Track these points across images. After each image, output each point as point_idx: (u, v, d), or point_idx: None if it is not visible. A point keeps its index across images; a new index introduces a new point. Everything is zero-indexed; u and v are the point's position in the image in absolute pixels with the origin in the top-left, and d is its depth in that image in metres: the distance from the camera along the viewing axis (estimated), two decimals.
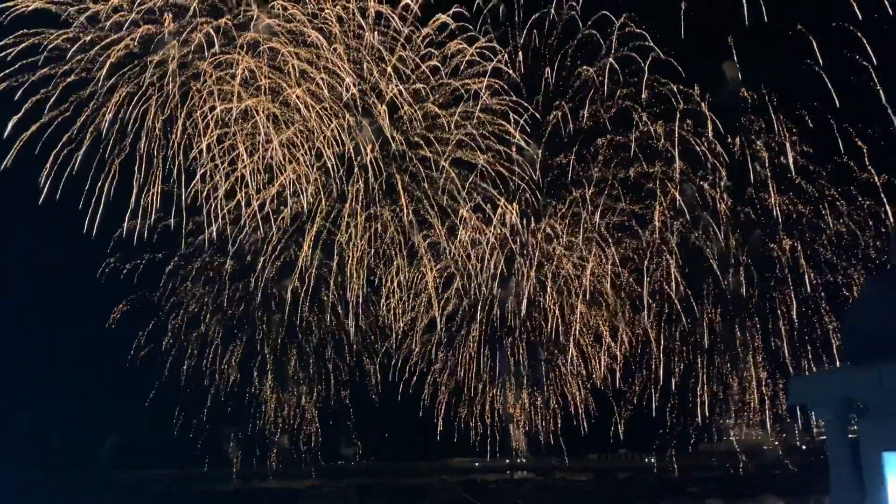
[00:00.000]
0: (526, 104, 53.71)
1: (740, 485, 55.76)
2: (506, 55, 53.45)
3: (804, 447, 61.37)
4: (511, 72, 53.57)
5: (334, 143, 52.99)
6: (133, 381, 59.63)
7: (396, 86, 52.40)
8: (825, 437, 14.37)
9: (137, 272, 55.70)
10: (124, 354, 57.99)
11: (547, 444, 59.54)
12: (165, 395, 59.18)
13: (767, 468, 62.04)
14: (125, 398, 60.25)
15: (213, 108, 51.72)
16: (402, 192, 55.45)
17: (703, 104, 51.97)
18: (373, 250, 56.47)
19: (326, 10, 52.10)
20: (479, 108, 53.53)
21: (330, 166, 53.31)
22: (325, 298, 58.02)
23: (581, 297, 55.78)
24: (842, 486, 12.64)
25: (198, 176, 52.69)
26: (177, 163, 52.71)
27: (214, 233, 53.91)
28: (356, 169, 54.06)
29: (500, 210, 54.90)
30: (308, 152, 53.34)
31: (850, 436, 13.22)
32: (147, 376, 58.74)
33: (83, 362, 60.04)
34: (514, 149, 54.05)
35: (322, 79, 52.19)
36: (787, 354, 52.96)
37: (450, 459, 66.68)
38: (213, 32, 50.49)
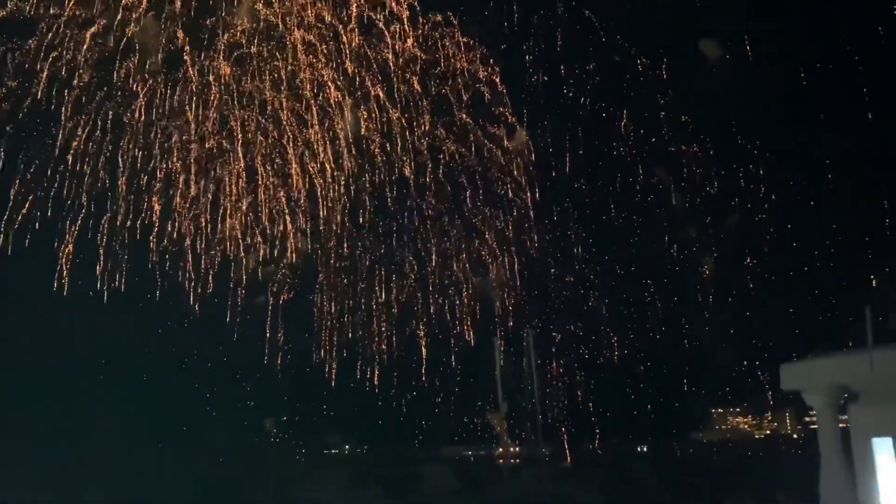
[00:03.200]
0: (511, 114, 53.34)
1: (730, 473, 56.08)
2: (492, 62, 53.06)
3: (795, 436, 61.82)
4: (496, 80, 53.16)
5: (316, 147, 52.49)
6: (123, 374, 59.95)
7: (381, 90, 51.88)
8: (816, 425, 14.39)
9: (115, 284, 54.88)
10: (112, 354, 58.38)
11: (536, 435, 59.75)
12: (154, 389, 59.41)
13: (757, 458, 62.38)
14: (116, 388, 60.36)
15: (192, 117, 51.01)
16: (385, 201, 55.05)
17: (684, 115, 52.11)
18: (355, 263, 56.23)
19: (308, 15, 51.30)
20: (462, 114, 53.15)
21: (310, 171, 52.85)
22: (311, 312, 57.64)
23: (567, 308, 56.06)
24: (832, 472, 12.66)
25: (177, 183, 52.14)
26: (157, 171, 52.14)
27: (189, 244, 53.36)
28: (336, 175, 53.56)
29: (485, 220, 54.70)
30: (288, 158, 52.76)
31: (840, 423, 13.26)
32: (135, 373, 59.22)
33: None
34: (500, 158, 53.76)
35: (303, 81, 51.53)
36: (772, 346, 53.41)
37: (441, 448, 66.73)
38: (189, 40, 49.65)
